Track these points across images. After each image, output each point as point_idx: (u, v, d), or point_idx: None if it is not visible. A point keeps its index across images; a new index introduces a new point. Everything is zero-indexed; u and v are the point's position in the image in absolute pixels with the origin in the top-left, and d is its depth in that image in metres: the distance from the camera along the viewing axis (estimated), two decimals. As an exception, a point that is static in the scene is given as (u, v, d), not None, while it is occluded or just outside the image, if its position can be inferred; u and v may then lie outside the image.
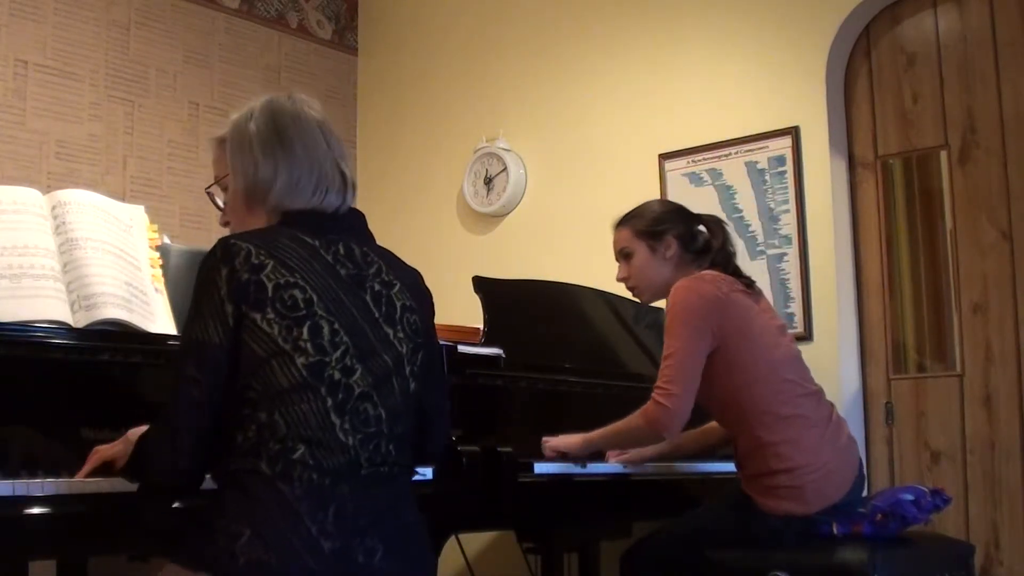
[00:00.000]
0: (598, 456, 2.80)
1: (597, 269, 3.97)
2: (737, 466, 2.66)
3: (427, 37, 4.85)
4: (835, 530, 2.49)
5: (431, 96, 4.79)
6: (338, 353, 1.64)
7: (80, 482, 1.81)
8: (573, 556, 3.32)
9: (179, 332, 2.23)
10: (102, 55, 4.09)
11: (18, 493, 1.73)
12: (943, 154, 3.62)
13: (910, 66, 3.70)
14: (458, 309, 3.53)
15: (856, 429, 3.44)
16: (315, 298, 1.65)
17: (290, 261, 1.66)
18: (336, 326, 1.65)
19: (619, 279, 2.83)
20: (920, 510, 2.51)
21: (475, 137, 4.53)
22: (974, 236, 3.53)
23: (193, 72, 4.38)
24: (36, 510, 1.74)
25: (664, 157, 4.06)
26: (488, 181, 4.48)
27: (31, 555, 2.06)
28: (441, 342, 2.58)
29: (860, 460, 2.66)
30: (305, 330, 1.62)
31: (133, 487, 1.81)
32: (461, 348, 2.62)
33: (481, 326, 2.91)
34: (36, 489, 1.76)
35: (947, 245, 3.59)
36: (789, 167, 3.74)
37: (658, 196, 4.04)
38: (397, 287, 1.78)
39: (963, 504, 3.44)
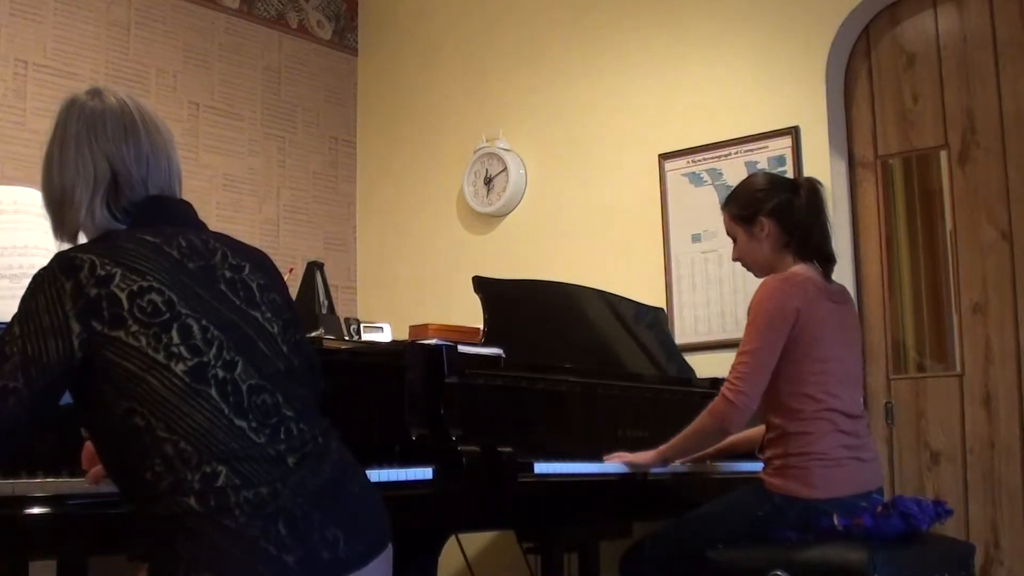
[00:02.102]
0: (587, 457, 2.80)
1: (597, 269, 3.98)
2: (760, 451, 2.74)
3: (427, 37, 4.85)
4: (836, 521, 2.50)
5: (431, 96, 4.79)
6: (214, 350, 1.56)
7: (80, 482, 1.81)
8: (573, 556, 3.32)
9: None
10: (102, 55, 4.09)
11: (18, 493, 1.73)
12: (943, 154, 3.62)
13: (910, 66, 3.70)
14: (458, 309, 3.54)
15: (856, 429, 3.45)
16: (175, 298, 1.56)
17: (138, 265, 1.56)
18: (204, 322, 1.57)
19: (733, 259, 2.87)
20: (920, 510, 2.51)
21: (475, 137, 4.53)
22: (974, 236, 3.53)
23: (193, 72, 4.38)
24: (36, 510, 1.74)
25: (664, 157, 4.06)
26: (488, 181, 4.48)
27: (31, 555, 2.06)
28: (441, 342, 2.61)
29: (880, 485, 2.70)
30: (175, 334, 1.54)
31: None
32: (461, 348, 2.62)
33: (481, 326, 2.91)
34: (36, 489, 1.76)
35: (947, 245, 3.59)
36: (789, 167, 3.74)
37: (658, 196, 4.05)
38: (247, 269, 1.70)
39: (963, 504, 3.44)
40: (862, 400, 2.79)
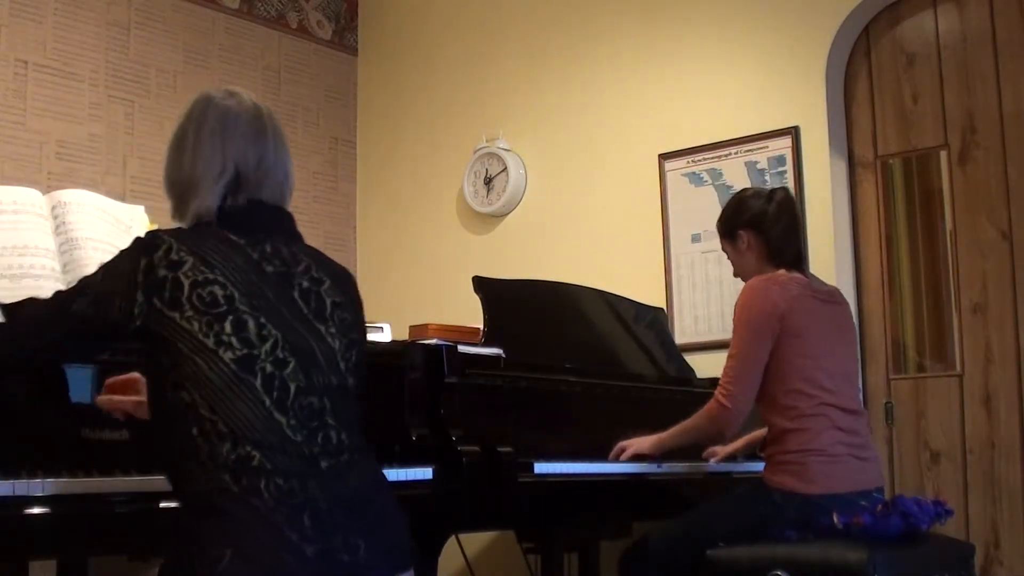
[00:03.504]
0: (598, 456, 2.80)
1: (597, 269, 3.98)
2: (761, 450, 2.81)
3: (427, 37, 4.85)
4: (836, 520, 2.50)
5: (431, 96, 4.79)
6: (267, 346, 1.64)
7: (80, 482, 1.82)
8: (573, 556, 3.32)
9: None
10: (102, 55, 4.09)
11: (18, 493, 1.74)
12: (943, 154, 3.62)
13: (910, 66, 3.70)
14: (458, 309, 3.54)
15: (856, 429, 3.45)
16: (236, 294, 1.65)
17: (211, 258, 1.67)
18: (262, 320, 1.65)
19: (733, 275, 2.94)
20: (920, 509, 2.52)
21: (475, 137, 4.53)
22: (974, 236, 3.53)
23: (193, 72, 4.38)
24: (36, 510, 1.74)
25: (664, 157, 4.06)
26: (488, 181, 4.48)
27: (31, 555, 2.06)
28: (441, 342, 2.61)
29: (881, 484, 2.71)
30: (227, 325, 1.62)
31: (133, 487, 1.82)
32: (461, 348, 2.62)
33: (481, 326, 2.91)
34: (36, 489, 1.76)
35: (947, 245, 3.59)
36: (789, 167, 3.74)
37: (658, 196, 4.05)
38: (327, 284, 1.78)
39: (963, 504, 3.44)
40: (860, 398, 2.80)
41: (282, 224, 1.82)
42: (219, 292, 1.64)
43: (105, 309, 1.65)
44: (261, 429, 1.59)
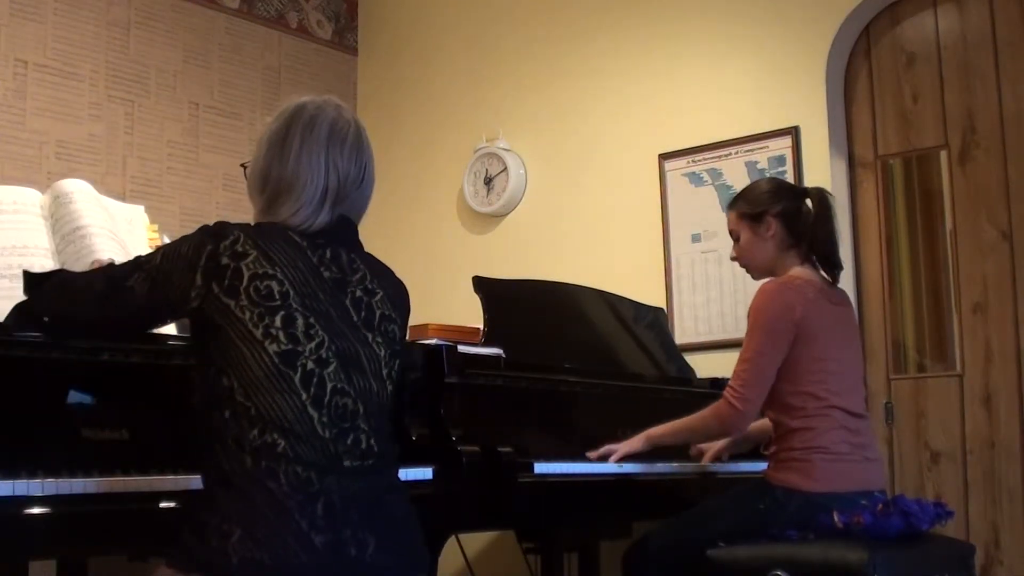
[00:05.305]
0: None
1: (597, 269, 3.98)
2: (765, 448, 2.83)
3: (427, 37, 4.85)
4: (836, 519, 2.50)
5: (431, 96, 4.79)
6: (312, 344, 1.68)
7: (80, 482, 1.82)
8: (573, 556, 3.32)
9: (177, 332, 2.23)
10: (102, 55, 4.09)
11: (18, 493, 1.74)
12: (943, 154, 3.62)
13: (910, 66, 3.70)
14: (458, 309, 3.54)
15: (856, 429, 3.44)
16: (292, 292, 1.70)
17: (273, 255, 1.71)
18: (312, 320, 1.70)
19: (731, 258, 2.91)
20: (921, 509, 2.52)
21: (475, 137, 4.53)
22: (974, 236, 3.53)
23: (193, 72, 4.38)
24: (36, 510, 1.74)
25: (664, 157, 4.06)
26: (488, 181, 4.48)
27: (31, 555, 2.06)
28: (441, 342, 2.61)
29: (883, 487, 2.72)
30: (278, 319, 1.67)
31: (133, 487, 1.82)
32: (461, 348, 2.62)
33: (481, 326, 2.91)
34: (36, 489, 1.76)
35: (947, 245, 3.59)
36: (789, 167, 3.74)
37: (658, 196, 4.05)
38: (379, 296, 1.83)
39: (963, 504, 3.44)
40: (865, 402, 2.81)
41: (344, 232, 1.84)
42: (275, 287, 1.68)
43: (162, 288, 1.71)
44: (292, 420, 1.63)
